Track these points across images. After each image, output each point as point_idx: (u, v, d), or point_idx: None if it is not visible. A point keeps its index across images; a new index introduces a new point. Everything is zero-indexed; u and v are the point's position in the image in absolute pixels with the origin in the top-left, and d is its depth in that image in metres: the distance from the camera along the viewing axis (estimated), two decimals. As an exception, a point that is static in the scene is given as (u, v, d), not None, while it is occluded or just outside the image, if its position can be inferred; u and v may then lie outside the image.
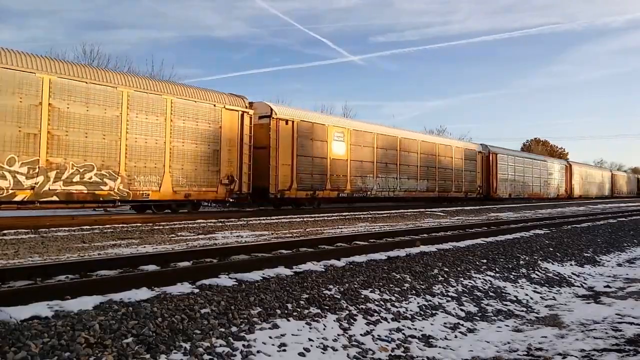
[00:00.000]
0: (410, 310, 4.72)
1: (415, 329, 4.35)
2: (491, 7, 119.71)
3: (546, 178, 38.85)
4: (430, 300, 5.10)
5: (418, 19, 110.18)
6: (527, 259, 7.81)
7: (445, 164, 26.71)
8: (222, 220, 12.45)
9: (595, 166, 58.61)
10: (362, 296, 4.74)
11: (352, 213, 16.69)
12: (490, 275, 6.49)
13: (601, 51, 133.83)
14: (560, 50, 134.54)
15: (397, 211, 18.33)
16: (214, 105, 14.63)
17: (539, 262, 7.86)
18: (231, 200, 15.25)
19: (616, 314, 5.19)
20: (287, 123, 17.18)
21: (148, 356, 2.95)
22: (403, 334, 4.18)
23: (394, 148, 22.80)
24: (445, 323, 4.64)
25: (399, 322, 4.41)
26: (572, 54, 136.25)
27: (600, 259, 9.35)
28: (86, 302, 3.51)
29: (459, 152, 28.15)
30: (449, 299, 5.30)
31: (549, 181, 39.41)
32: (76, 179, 11.51)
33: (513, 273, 6.87)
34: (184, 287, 4.24)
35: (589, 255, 9.39)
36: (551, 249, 9.05)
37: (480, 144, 31.81)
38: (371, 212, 17.20)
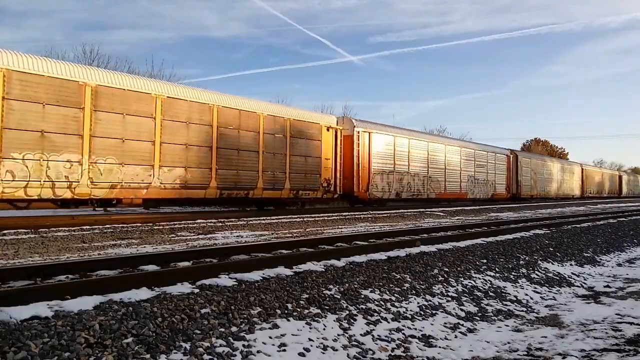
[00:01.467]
0: (410, 310, 4.72)
1: (415, 329, 4.35)
2: (489, 7, 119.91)
3: (471, 172, 28.57)
4: (430, 300, 5.10)
5: (416, 19, 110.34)
6: (527, 259, 7.81)
7: (245, 143, 15.62)
8: (222, 220, 12.46)
9: (558, 159, 47.14)
10: (362, 296, 4.74)
11: (352, 213, 16.70)
12: (490, 275, 6.49)
13: (600, 51, 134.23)
14: (559, 50, 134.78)
15: (397, 211, 18.36)
16: None
17: (539, 262, 7.86)
18: None
19: (616, 314, 5.19)
20: None
21: (148, 356, 2.95)
22: (403, 334, 4.18)
23: (75, 105, 11.45)
24: (445, 323, 4.64)
25: (399, 322, 4.41)
26: (571, 54, 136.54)
27: (600, 259, 9.35)
28: (86, 302, 3.51)
29: (283, 125, 16.96)
30: (449, 299, 5.30)
31: (477, 176, 29.21)
32: None
33: (513, 273, 6.86)
34: (184, 287, 4.24)
35: (588, 255, 9.39)
36: (551, 249, 9.05)
37: (341, 117, 20.77)
38: (371, 212, 17.21)
